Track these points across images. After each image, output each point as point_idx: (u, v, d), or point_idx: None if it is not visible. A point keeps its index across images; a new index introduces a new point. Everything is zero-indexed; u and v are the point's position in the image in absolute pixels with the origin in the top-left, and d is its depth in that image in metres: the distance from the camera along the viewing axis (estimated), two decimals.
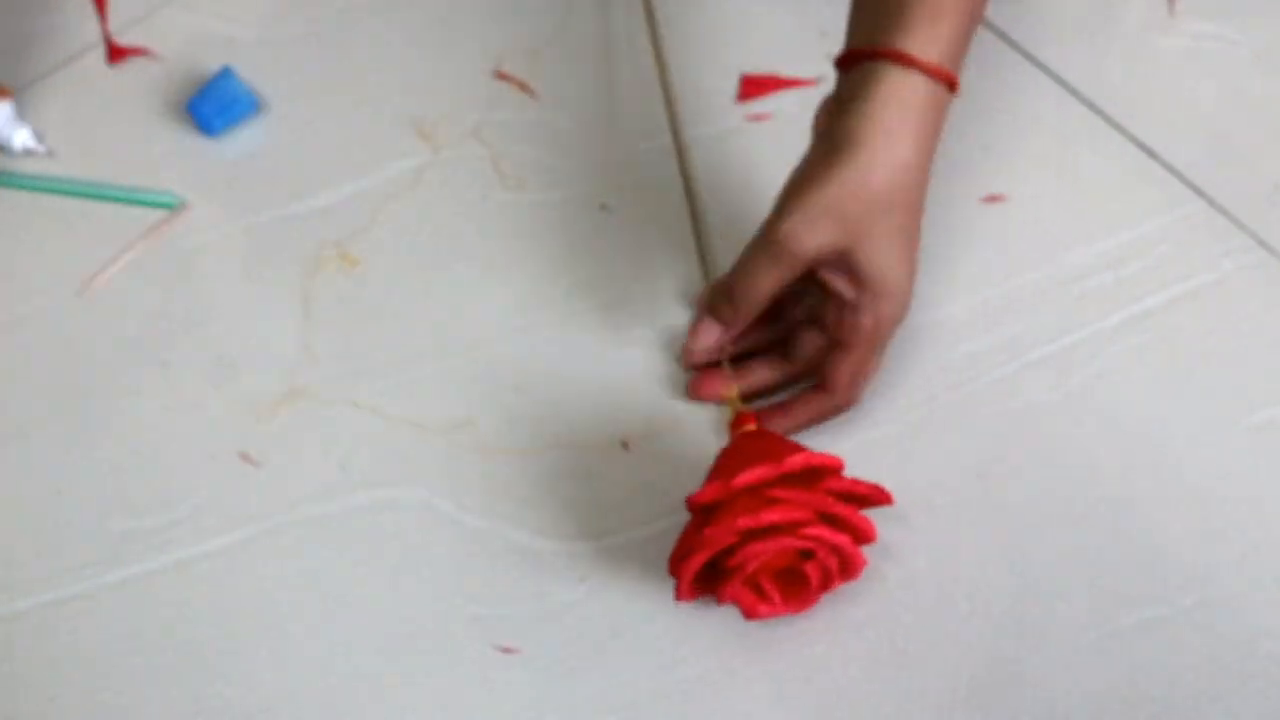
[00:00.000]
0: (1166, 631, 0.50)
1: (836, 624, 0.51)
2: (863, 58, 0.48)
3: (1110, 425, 0.55)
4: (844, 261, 0.49)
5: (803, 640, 0.51)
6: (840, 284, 0.50)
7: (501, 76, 0.66)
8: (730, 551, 0.46)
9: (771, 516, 0.45)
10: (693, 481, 0.52)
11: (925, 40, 0.47)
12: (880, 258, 0.48)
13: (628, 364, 0.58)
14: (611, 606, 0.52)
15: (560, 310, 0.59)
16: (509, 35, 0.68)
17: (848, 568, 0.48)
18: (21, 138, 0.63)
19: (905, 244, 0.49)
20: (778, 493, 0.46)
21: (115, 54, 0.67)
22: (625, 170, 0.63)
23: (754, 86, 0.65)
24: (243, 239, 0.62)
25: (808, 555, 0.47)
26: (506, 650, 0.51)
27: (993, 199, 0.61)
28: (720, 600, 0.48)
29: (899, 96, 0.47)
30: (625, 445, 0.56)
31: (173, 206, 0.60)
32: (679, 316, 0.59)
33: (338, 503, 0.55)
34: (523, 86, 0.66)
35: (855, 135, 0.47)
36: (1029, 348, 0.57)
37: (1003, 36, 0.66)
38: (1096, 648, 0.50)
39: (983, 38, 0.66)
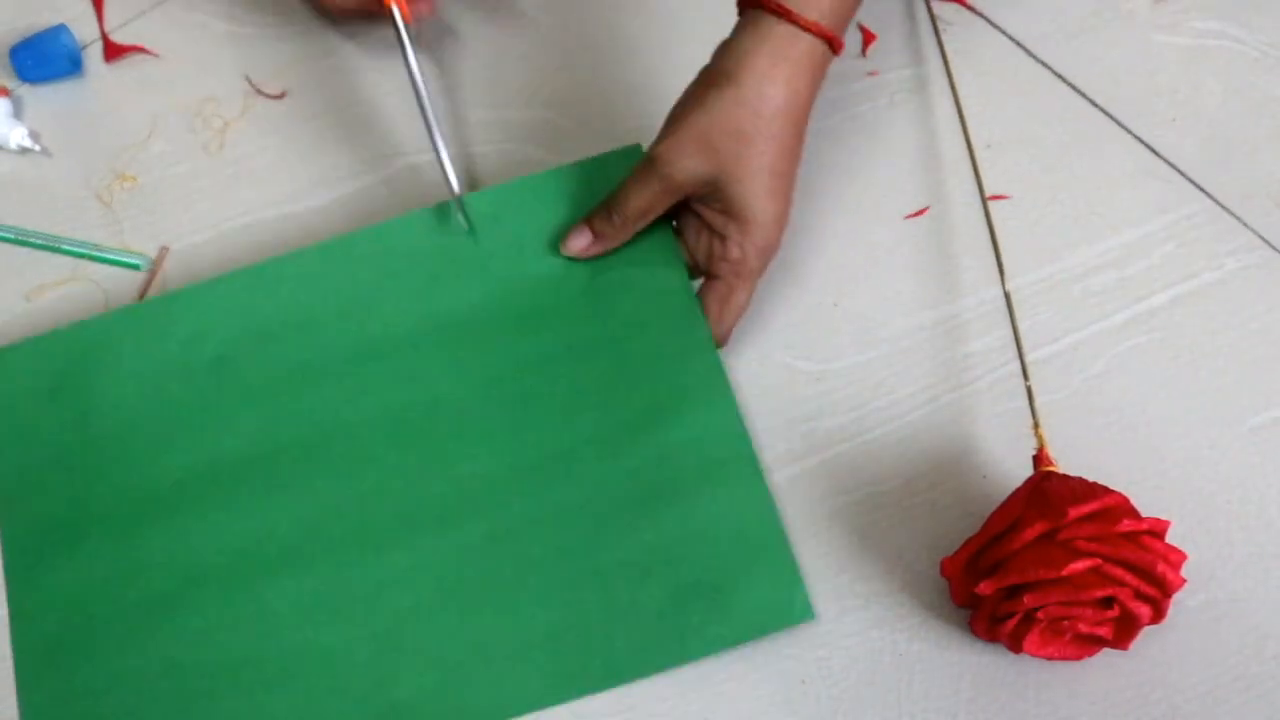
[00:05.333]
0: (1170, 633, 0.50)
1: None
2: (751, 5, 0.51)
3: (1114, 425, 0.55)
4: (714, 192, 0.52)
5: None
6: (710, 214, 0.53)
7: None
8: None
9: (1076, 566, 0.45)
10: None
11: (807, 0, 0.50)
12: (747, 190, 0.51)
13: None
14: None
15: None
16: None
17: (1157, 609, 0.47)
18: (17, 137, 0.63)
19: (774, 181, 0.52)
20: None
21: (112, 51, 0.67)
22: None
23: None
24: (239, 238, 0.61)
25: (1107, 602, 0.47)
26: None
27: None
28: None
29: (775, 45, 0.50)
30: None
31: (139, 268, 0.60)
32: None
33: None
34: None
35: (730, 73, 0.51)
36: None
37: (1006, 34, 0.66)
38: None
39: (987, 35, 0.66)
